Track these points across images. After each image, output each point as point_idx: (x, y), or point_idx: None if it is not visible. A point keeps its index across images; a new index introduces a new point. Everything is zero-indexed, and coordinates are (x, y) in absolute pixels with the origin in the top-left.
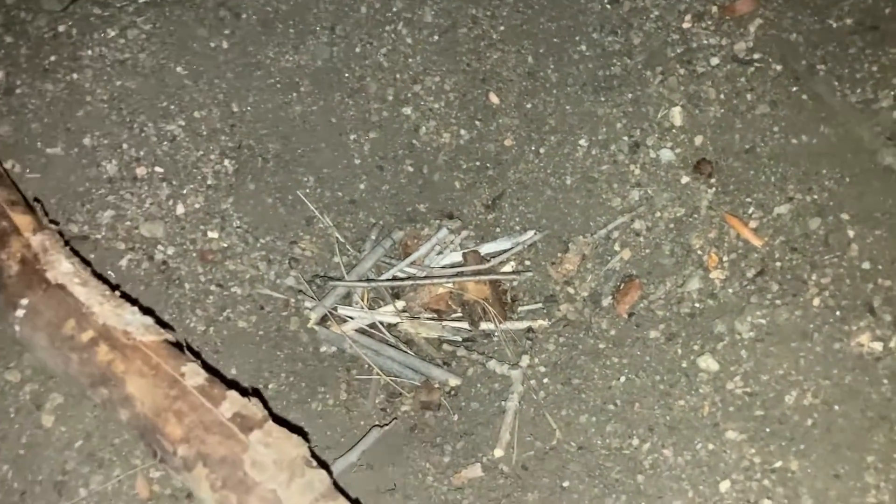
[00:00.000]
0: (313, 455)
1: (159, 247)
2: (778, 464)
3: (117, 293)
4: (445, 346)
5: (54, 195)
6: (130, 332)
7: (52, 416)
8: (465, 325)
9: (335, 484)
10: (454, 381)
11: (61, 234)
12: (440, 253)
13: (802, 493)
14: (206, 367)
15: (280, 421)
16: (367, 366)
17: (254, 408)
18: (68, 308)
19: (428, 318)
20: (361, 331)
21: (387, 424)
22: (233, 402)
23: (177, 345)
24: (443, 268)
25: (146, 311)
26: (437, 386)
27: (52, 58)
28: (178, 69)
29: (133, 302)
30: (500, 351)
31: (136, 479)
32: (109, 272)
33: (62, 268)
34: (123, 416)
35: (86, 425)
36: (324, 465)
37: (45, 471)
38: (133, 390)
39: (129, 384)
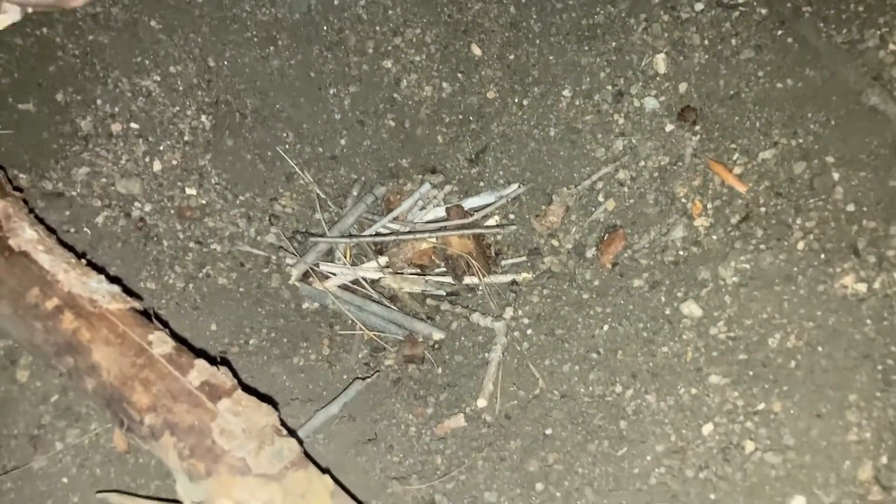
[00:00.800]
0: (283, 424)
1: (136, 204)
2: (761, 406)
3: (83, 261)
4: (429, 301)
5: (27, 152)
6: (96, 300)
7: (27, 372)
8: (448, 279)
9: (305, 452)
10: (438, 335)
11: (25, 201)
12: (423, 208)
13: (785, 434)
14: (175, 335)
15: (250, 390)
16: (349, 321)
17: (222, 376)
18: (32, 276)
19: (411, 274)
20: (344, 287)
21: (369, 377)
22: (201, 370)
23: (144, 313)
24: (426, 223)
25: (113, 279)
26: (420, 340)
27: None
28: (153, 23)
29: (100, 270)
30: (483, 304)
31: (114, 432)
32: (85, 229)
33: (26, 235)
34: (89, 385)
35: (61, 380)
36: (293, 433)
37: (20, 425)
38: (99, 359)
39: (94, 353)
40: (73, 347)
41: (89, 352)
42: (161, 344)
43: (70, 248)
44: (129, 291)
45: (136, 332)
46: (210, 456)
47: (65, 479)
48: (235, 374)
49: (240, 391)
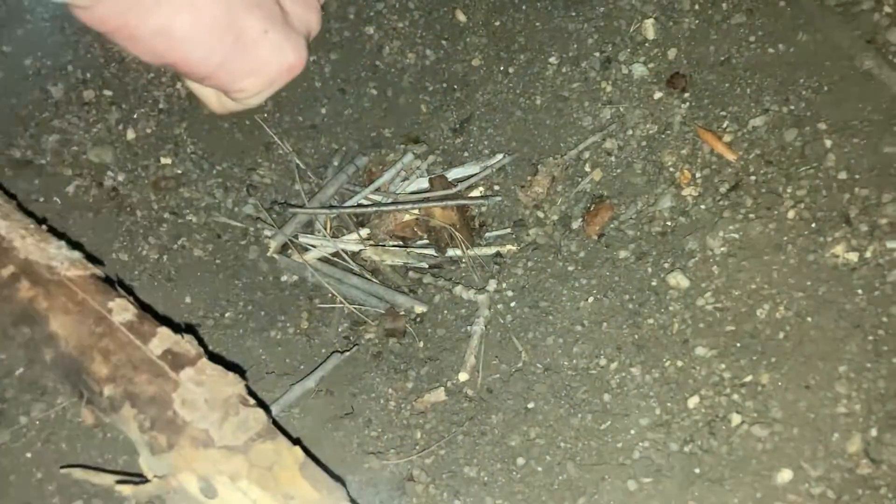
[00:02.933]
0: (252, 393)
1: (109, 173)
2: (748, 378)
3: (44, 227)
4: (411, 274)
5: None
6: (55, 267)
7: None
8: (431, 251)
9: (274, 422)
10: (420, 308)
11: None
12: (406, 179)
13: (772, 406)
14: (141, 303)
15: (218, 360)
16: (329, 294)
17: (187, 345)
18: None
19: (393, 246)
20: (324, 259)
21: (348, 351)
22: (163, 338)
23: (107, 280)
24: (409, 194)
25: (75, 245)
26: (402, 313)
27: None
28: None
29: (60, 235)
30: (467, 277)
31: (81, 406)
32: (55, 199)
33: None
34: (47, 356)
35: (27, 353)
36: (263, 404)
37: None
38: (57, 328)
39: (52, 322)
40: (30, 317)
41: (46, 321)
42: (122, 312)
43: (35, 217)
44: (91, 258)
45: (95, 299)
46: (171, 428)
47: (28, 455)
48: (202, 342)
49: (205, 360)
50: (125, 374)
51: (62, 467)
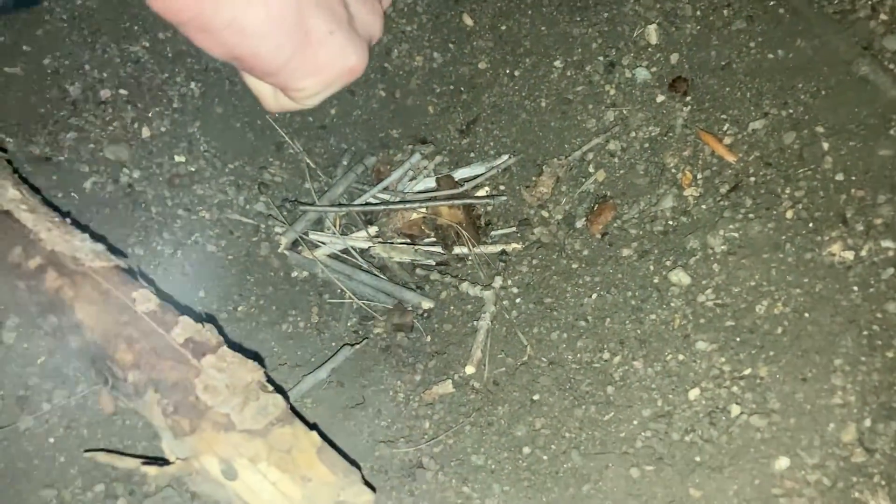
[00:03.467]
0: (270, 381)
1: (125, 170)
2: (747, 371)
3: (67, 220)
4: (419, 271)
5: (14, 116)
6: (79, 258)
7: (14, 333)
8: (438, 249)
9: (292, 408)
10: (427, 304)
11: (10, 161)
12: (413, 178)
13: (770, 398)
14: (161, 294)
15: (237, 348)
16: (339, 290)
17: (207, 333)
18: (15, 235)
19: (401, 243)
20: (334, 256)
21: (358, 344)
22: (185, 327)
23: (129, 271)
24: (416, 193)
25: (98, 238)
26: (409, 309)
27: None
28: None
29: (83, 229)
30: (473, 274)
31: (101, 394)
32: (73, 194)
33: (8, 195)
34: (73, 344)
35: (48, 342)
36: (281, 390)
37: (7, 386)
38: (82, 317)
39: (78, 311)
40: (57, 306)
41: (73, 310)
42: (145, 301)
43: (56, 209)
44: (113, 250)
45: (119, 289)
46: (194, 412)
47: (51, 440)
48: (221, 332)
49: (225, 348)
50: (149, 361)
51: (85, 451)
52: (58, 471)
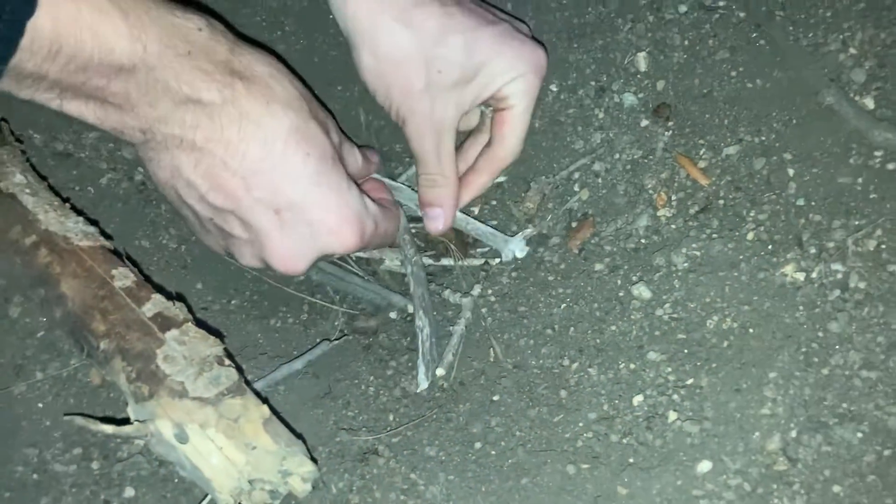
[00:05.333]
0: (230, 357)
1: (139, 169)
2: (690, 381)
3: (67, 205)
4: (406, 279)
5: (43, 115)
6: (70, 238)
7: (19, 309)
8: (428, 259)
9: (247, 382)
10: (411, 308)
11: (23, 151)
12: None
13: (706, 406)
14: (146, 277)
15: (205, 327)
16: (331, 292)
17: (176, 310)
18: (16, 215)
19: (392, 254)
20: (329, 261)
21: (337, 340)
22: (156, 303)
23: (115, 252)
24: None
25: (93, 222)
26: (373, 316)
27: None
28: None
29: (93, 223)
30: (456, 283)
31: (91, 368)
32: (89, 188)
33: (15, 179)
34: (57, 314)
35: (49, 320)
36: (239, 368)
37: (6, 355)
38: (66, 289)
39: (62, 284)
40: (45, 280)
41: (58, 283)
42: (123, 278)
43: (61, 197)
44: (105, 234)
45: (101, 267)
46: (153, 379)
47: (40, 405)
48: (191, 310)
49: (190, 324)
50: (119, 332)
51: (65, 415)
52: (42, 433)
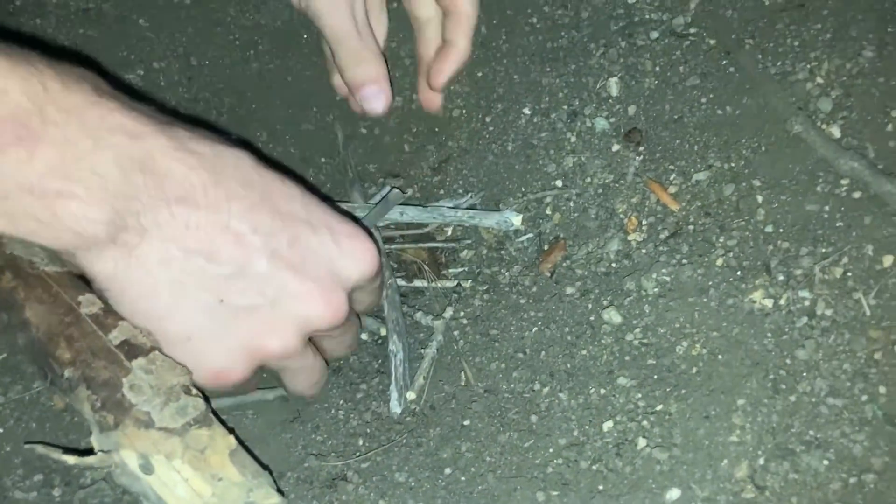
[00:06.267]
0: (195, 386)
1: None
2: (659, 407)
3: None
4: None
5: None
6: (35, 263)
7: None
8: (400, 281)
9: (214, 413)
10: (384, 331)
11: None
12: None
13: (675, 433)
14: None
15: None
16: None
17: (143, 338)
18: None
19: None
20: None
21: None
22: (123, 330)
23: (82, 278)
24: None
25: None
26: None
27: (18, 2)
28: (141, 21)
29: None
30: (429, 305)
31: (48, 388)
32: None
33: None
34: (20, 341)
35: (12, 346)
36: (206, 398)
37: None
38: (30, 315)
39: (27, 310)
40: (9, 304)
41: (22, 309)
42: (90, 305)
43: None
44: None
45: (68, 293)
46: (119, 409)
47: (1, 430)
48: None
49: (157, 352)
50: (85, 360)
51: (26, 443)
52: (2, 458)
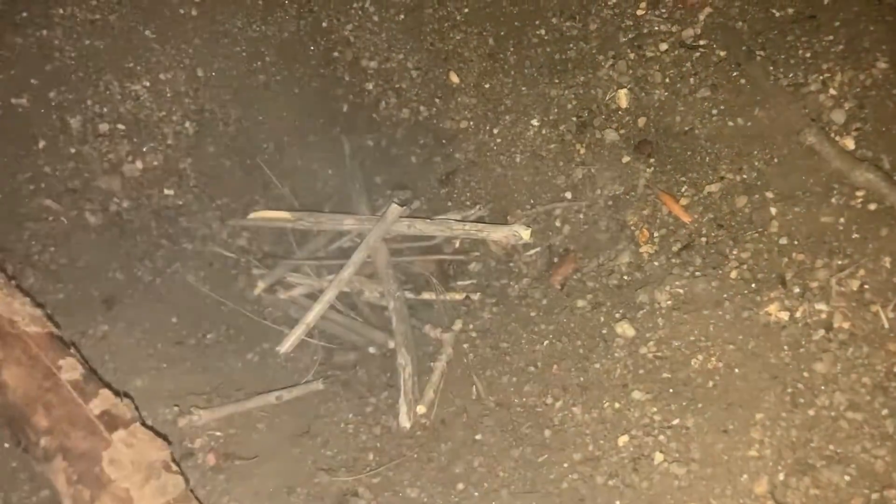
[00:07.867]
0: (174, 461)
1: (115, 199)
2: (676, 421)
3: (13, 282)
4: (387, 313)
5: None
6: (16, 322)
7: None
8: (409, 293)
9: (191, 491)
10: (392, 344)
11: None
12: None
13: (693, 448)
14: (91, 369)
15: (151, 429)
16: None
17: (124, 408)
18: None
19: (374, 287)
20: (308, 295)
21: (313, 380)
22: (104, 399)
23: (61, 339)
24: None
25: (38, 304)
26: (351, 349)
27: (25, 13)
28: (147, 32)
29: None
30: (437, 317)
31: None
32: (62, 219)
33: None
34: None
35: None
36: (183, 474)
37: None
38: (8, 378)
39: (4, 371)
40: None
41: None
42: (70, 370)
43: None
44: (51, 320)
45: (48, 355)
46: (97, 483)
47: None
48: (137, 409)
49: (138, 424)
50: (63, 429)
51: None
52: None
